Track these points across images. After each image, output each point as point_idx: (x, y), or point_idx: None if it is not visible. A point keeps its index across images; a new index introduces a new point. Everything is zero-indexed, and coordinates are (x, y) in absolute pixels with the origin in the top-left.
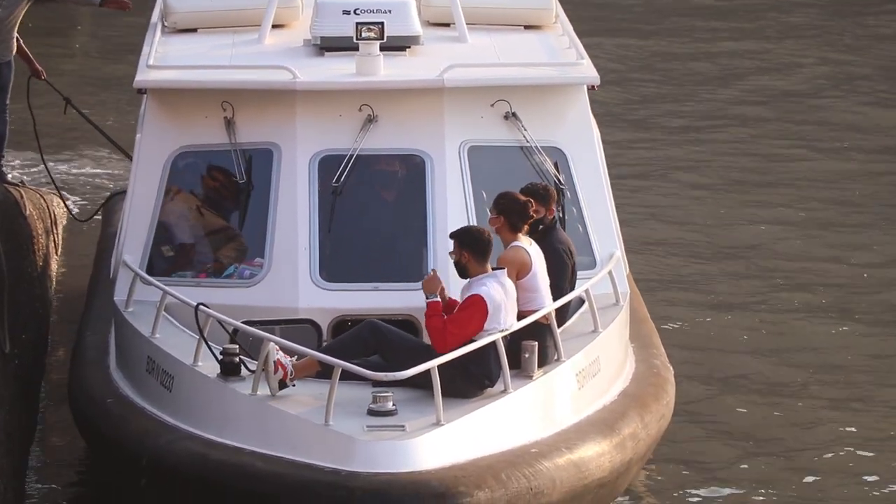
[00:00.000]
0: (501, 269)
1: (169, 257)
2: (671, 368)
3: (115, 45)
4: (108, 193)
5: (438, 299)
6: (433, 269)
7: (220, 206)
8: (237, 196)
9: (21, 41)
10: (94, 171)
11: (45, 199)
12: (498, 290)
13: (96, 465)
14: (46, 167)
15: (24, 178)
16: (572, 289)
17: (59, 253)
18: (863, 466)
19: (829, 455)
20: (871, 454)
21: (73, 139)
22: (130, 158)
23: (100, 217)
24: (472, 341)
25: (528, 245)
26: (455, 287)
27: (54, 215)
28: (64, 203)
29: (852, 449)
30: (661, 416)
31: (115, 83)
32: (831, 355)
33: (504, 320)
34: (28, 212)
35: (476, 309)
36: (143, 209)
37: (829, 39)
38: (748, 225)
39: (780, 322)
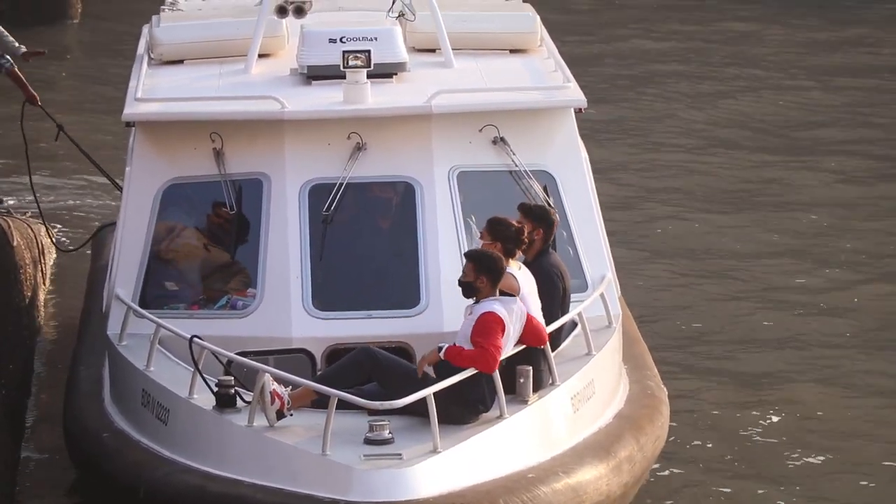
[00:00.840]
0: (511, 296)
1: (161, 290)
2: (665, 389)
3: (103, 74)
4: (98, 225)
5: (442, 345)
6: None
7: (211, 238)
8: (229, 227)
9: (16, 66)
10: (83, 200)
11: (32, 230)
12: (505, 314)
13: (86, 495)
14: (36, 199)
15: (12, 202)
16: (565, 312)
17: (46, 283)
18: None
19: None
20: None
21: (62, 167)
22: (119, 189)
23: (89, 249)
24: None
25: (516, 270)
26: (449, 307)
27: (42, 245)
28: (49, 235)
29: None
30: (657, 438)
31: (103, 110)
32: (825, 366)
33: (508, 345)
34: (16, 241)
35: (496, 322)
36: (134, 242)
37: (821, 59)
38: (738, 243)
39: (772, 337)
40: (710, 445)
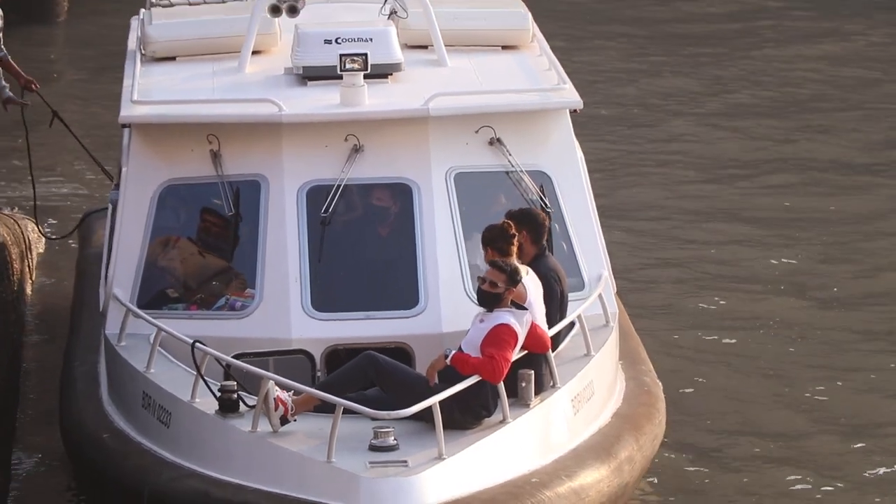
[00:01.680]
0: (523, 308)
1: (159, 290)
2: (660, 384)
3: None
4: (83, 213)
5: (450, 351)
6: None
7: (209, 238)
8: (226, 228)
9: (9, 56)
10: (69, 190)
11: (19, 225)
12: (519, 328)
13: (80, 493)
14: (35, 191)
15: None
16: (563, 315)
17: (33, 278)
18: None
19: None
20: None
21: (48, 157)
22: (110, 178)
23: (73, 241)
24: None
25: (524, 275)
26: (447, 307)
27: (28, 240)
28: (39, 229)
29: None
30: (655, 437)
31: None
32: (824, 357)
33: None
34: (1, 237)
35: (510, 335)
36: (131, 242)
37: (826, 57)
38: (732, 245)
39: (764, 335)
40: (705, 441)
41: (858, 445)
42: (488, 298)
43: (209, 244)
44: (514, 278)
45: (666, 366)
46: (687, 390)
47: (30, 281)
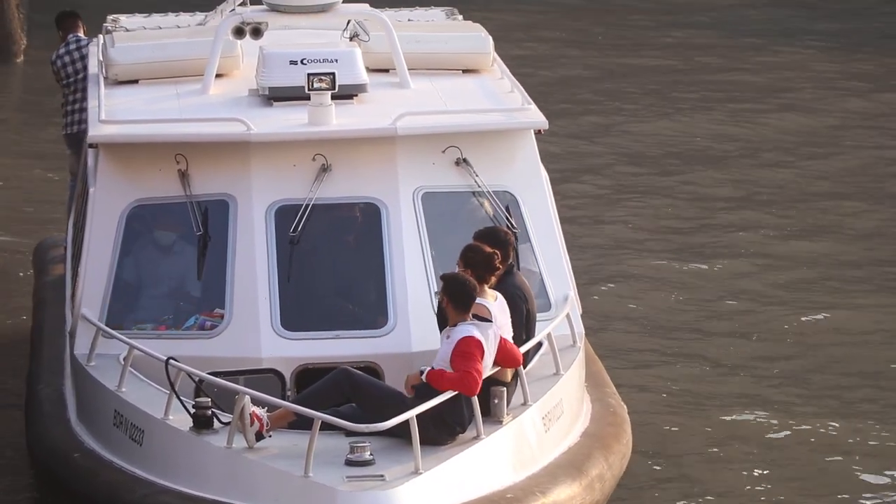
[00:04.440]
0: (488, 320)
1: (128, 310)
2: (625, 406)
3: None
4: (36, 244)
5: (425, 368)
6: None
7: (178, 259)
8: (195, 248)
9: None
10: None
11: None
12: (482, 338)
13: None
14: None
15: None
16: (530, 334)
17: None
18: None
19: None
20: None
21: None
22: None
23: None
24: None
25: (491, 301)
26: (416, 327)
27: None
28: None
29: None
30: (623, 456)
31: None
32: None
33: (485, 368)
34: None
35: (475, 346)
36: (99, 263)
37: (816, 74)
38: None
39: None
40: (669, 461)
41: (836, 458)
42: (439, 315)
43: (177, 264)
44: (446, 289)
45: (628, 388)
46: (649, 412)
47: None
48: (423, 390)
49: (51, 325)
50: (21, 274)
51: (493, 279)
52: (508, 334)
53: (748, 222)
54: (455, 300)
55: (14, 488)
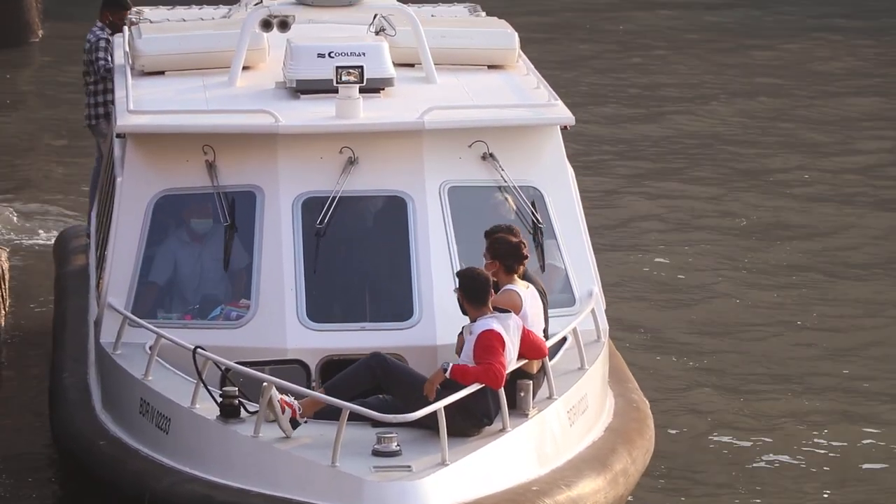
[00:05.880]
0: (507, 311)
1: (154, 300)
2: (647, 401)
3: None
4: (56, 234)
5: (448, 364)
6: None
7: (204, 249)
8: (221, 238)
9: None
10: (41, 208)
11: None
12: (502, 330)
13: None
14: None
15: None
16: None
17: (6, 308)
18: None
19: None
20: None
21: (19, 176)
22: None
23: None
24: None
25: (522, 288)
26: (441, 319)
27: (2, 269)
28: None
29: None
30: (647, 451)
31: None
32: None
33: (510, 358)
34: None
35: (496, 339)
36: (126, 252)
37: (816, 78)
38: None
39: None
40: (692, 456)
41: (858, 453)
42: (460, 306)
43: (204, 255)
44: (460, 283)
45: (649, 385)
46: (671, 408)
47: (2, 312)
48: (449, 385)
49: (74, 314)
50: (41, 264)
51: (522, 268)
52: (540, 324)
53: (770, 223)
54: (469, 295)
55: (39, 476)
